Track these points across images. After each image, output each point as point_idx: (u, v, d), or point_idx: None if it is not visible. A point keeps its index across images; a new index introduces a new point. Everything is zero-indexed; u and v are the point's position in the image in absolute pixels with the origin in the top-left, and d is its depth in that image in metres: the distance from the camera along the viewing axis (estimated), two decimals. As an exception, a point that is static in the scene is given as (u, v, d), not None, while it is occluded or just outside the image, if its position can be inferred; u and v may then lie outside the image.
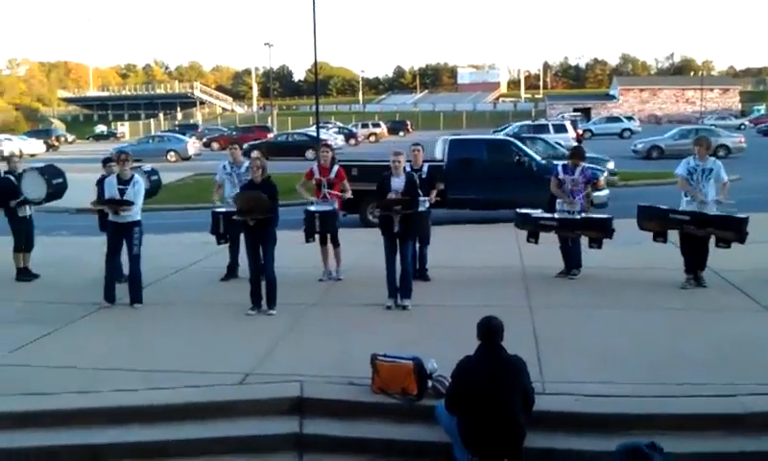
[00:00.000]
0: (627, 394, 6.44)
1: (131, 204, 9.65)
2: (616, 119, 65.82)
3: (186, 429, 6.38)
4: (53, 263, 12.45)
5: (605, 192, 16.91)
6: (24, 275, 11.58)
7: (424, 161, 11.37)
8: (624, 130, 59.72)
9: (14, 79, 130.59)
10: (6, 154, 39.16)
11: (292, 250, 11.56)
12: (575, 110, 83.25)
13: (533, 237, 11.15)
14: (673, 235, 10.44)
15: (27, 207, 11.65)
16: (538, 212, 11.20)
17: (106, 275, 9.91)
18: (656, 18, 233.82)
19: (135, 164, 10.38)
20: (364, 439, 6.22)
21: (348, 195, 11.31)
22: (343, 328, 8.68)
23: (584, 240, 10.91)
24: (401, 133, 71.90)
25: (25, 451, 6.15)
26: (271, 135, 54.41)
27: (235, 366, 7.34)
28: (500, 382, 5.35)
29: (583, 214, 10.78)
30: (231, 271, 11.36)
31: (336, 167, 11.23)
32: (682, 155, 11.20)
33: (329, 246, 11.14)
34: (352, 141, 59.12)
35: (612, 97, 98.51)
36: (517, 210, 11.61)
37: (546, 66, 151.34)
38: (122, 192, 9.73)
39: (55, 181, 11.63)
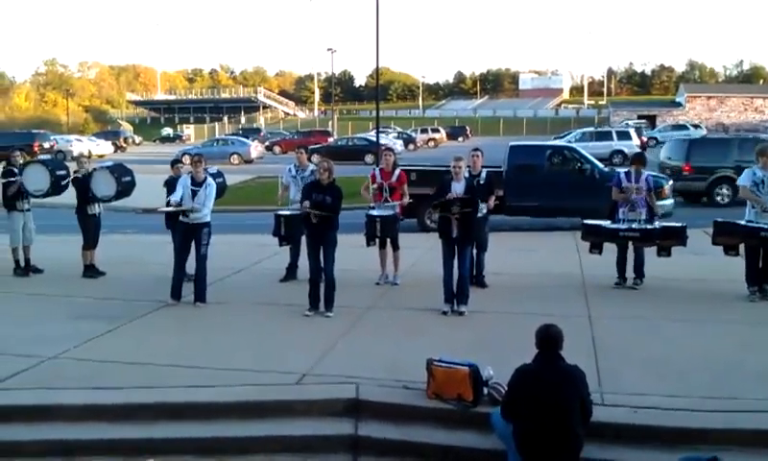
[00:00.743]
0: (687, 407, 6.29)
1: (197, 210, 9.89)
2: (683, 127, 64.13)
3: (243, 427, 6.47)
4: (118, 261, 12.79)
5: (670, 201, 16.58)
6: (90, 272, 11.93)
7: (483, 167, 11.32)
8: (691, 138, 58.21)
9: (85, 81, 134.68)
10: (75, 154, 40.45)
11: (349, 253, 11.62)
12: (640, 118, 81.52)
13: (596, 249, 10.96)
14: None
15: (97, 205, 12.00)
16: (608, 223, 10.98)
17: (174, 273, 10.15)
18: (724, 25, 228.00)
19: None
20: (418, 444, 6.21)
21: (406, 200, 11.35)
22: (398, 332, 8.70)
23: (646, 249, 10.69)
24: (460, 139, 71.68)
25: (85, 444, 6.31)
26: (331, 140, 54.93)
27: (292, 366, 7.42)
28: (559, 392, 5.28)
29: (657, 223, 10.63)
30: (291, 272, 11.50)
31: (398, 171, 11.32)
32: (749, 165, 10.90)
33: (389, 249, 11.19)
34: (411, 146, 59.17)
35: (679, 104, 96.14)
36: (585, 221, 11.37)
37: (611, 72, 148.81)
38: (194, 193, 9.95)
39: (124, 179, 11.95)
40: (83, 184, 11.76)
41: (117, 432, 6.39)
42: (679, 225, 10.83)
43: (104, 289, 11.11)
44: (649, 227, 10.54)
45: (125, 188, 12.00)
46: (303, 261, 10.42)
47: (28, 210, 12.09)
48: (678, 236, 10.53)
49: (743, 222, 10.09)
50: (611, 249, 10.92)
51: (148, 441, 6.29)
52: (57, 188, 11.95)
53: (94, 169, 12.01)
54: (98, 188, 11.68)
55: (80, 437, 6.35)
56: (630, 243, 10.67)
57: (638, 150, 31.10)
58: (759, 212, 9.91)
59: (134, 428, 6.44)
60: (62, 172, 12.20)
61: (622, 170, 11.69)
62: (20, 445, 6.25)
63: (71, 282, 11.48)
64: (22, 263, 12.08)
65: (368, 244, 11.05)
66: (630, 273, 10.79)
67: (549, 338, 5.48)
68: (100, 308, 9.87)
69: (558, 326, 5.58)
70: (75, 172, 12.06)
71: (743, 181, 10.13)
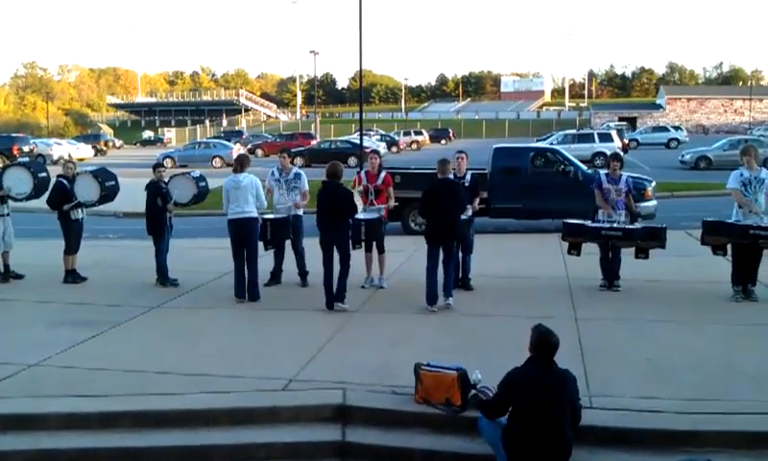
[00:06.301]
0: (676, 409, 6.28)
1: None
2: (663, 129, 64.60)
3: (230, 434, 6.39)
4: (100, 266, 12.65)
5: (653, 203, 16.63)
6: (72, 277, 11.76)
7: (468, 169, 11.29)
8: (671, 140, 58.48)
9: (65, 84, 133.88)
10: (55, 158, 40.04)
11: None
12: (620, 120, 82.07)
13: (575, 249, 10.94)
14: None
15: (80, 210, 11.85)
16: (589, 222, 10.93)
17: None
18: (704, 27, 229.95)
19: (185, 170, 10.51)
20: (406, 449, 6.16)
21: (392, 203, 11.32)
22: (385, 336, 8.63)
23: (626, 251, 10.70)
24: (443, 142, 71.75)
25: (68, 454, 6.21)
26: (314, 142, 54.76)
27: (279, 371, 7.35)
28: (550, 396, 5.24)
29: (637, 224, 10.63)
30: (275, 276, 11.41)
31: (383, 174, 11.28)
32: (730, 166, 10.95)
33: (374, 253, 11.14)
34: (394, 149, 59.13)
35: (659, 106, 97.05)
36: (566, 221, 11.29)
37: (591, 75, 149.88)
38: None
39: (107, 183, 11.82)
40: (67, 189, 11.61)
41: (101, 441, 6.29)
42: (659, 226, 10.84)
43: (85, 295, 10.96)
44: (630, 227, 10.55)
45: (108, 193, 11.87)
46: (288, 265, 10.33)
47: (7, 215, 11.90)
48: (658, 238, 10.53)
49: (732, 220, 10.10)
50: (590, 251, 10.92)
51: (132, 449, 6.19)
52: (39, 191, 11.79)
53: (77, 173, 11.87)
54: (81, 193, 11.55)
55: (63, 446, 6.24)
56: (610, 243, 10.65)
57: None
58: (746, 213, 9.95)
59: (118, 437, 6.33)
60: (44, 174, 12.04)
61: (603, 172, 11.70)
62: (1, 455, 6.13)
63: (52, 288, 11.32)
64: (1, 269, 11.89)
65: (353, 247, 10.97)
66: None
67: (548, 346, 5.40)
68: (82, 314, 9.74)
69: (555, 333, 5.51)
70: (59, 176, 11.89)
71: (732, 183, 10.15)
